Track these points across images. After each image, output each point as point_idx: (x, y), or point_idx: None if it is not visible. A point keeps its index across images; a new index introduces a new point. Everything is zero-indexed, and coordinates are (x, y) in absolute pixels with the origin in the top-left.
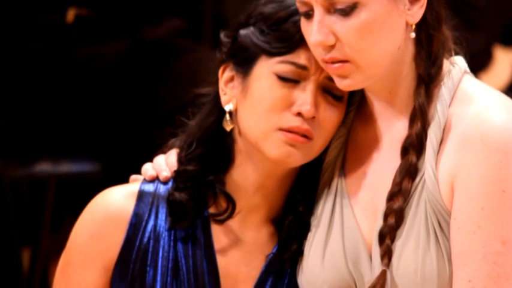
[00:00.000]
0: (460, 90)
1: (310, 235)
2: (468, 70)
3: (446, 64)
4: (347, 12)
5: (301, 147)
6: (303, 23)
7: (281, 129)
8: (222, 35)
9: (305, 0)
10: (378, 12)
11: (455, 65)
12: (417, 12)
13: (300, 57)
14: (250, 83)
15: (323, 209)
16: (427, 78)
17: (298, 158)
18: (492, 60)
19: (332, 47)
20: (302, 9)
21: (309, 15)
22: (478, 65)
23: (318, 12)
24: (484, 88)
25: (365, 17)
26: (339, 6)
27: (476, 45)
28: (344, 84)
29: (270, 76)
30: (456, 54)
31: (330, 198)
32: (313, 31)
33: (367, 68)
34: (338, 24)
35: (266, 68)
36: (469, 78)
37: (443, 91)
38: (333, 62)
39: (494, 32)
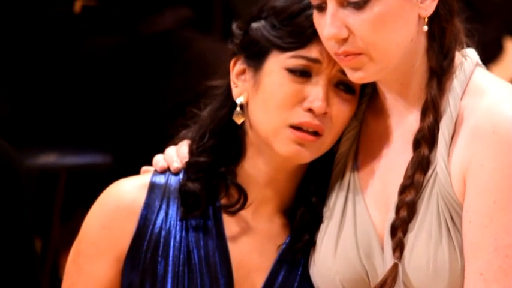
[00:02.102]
0: (472, 82)
1: (322, 226)
2: (480, 62)
3: (458, 56)
4: (360, 5)
5: (309, 146)
6: (316, 16)
7: (291, 126)
8: (234, 26)
9: None
10: (391, 5)
11: (467, 58)
12: (430, 5)
13: (312, 52)
14: (261, 78)
15: (335, 201)
16: (440, 71)
17: (306, 155)
18: (502, 51)
19: (345, 40)
20: (315, 1)
21: (321, 8)
22: (488, 56)
23: (331, 5)
24: (495, 81)
25: (378, 10)
26: (352, 0)
27: (486, 36)
28: (356, 77)
29: (281, 71)
30: (468, 46)
31: (343, 190)
32: (326, 24)
33: (379, 60)
34: (351, 17)
35: (277, 63)
36: (481, 70)
37: (455, 84)
38: (346, 55)
39: (504, 23)
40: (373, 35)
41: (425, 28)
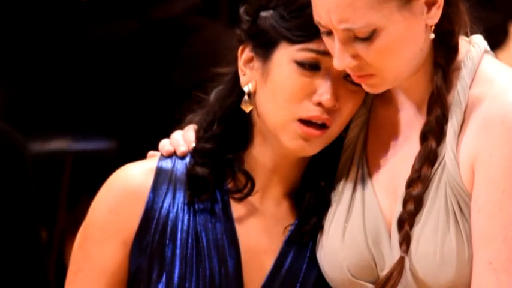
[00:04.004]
0: (480, 71)
1: (330, 211)
2: (488, 49)
3: (465, 44)
4: (367, 38)
5: (315, 141)
6: (324, 38)
7: (300, 120)
8: (241, 11)
9: (325, 25)
10: (399, 30)
11: (475, 45)
12: (436, 14)
13: (321, 44)
14: (270, 69)
15: (344, 186)
16: (446, 66)
17: (312, 150)
18: (508, 37)
19: (356, 66)
20: (322, 29)
21: (329, 33)
22: (494, 42)
23: (338, 40)
24: (504, 69)
25: (386, 39)
26: (359, 36)
27: (492, 22)
28: (371, 90)
29: (290, 64)
30: (474, 32)
31: (352, 176)
32: (335, 56)
33: (391, 77)
34: (360, 48)
35: (286, 55)
36: (489, 58)
37: (464, 73)
38: (359, 76)
39: (510, 9)
40: (384, 61)
41: (432, 36)
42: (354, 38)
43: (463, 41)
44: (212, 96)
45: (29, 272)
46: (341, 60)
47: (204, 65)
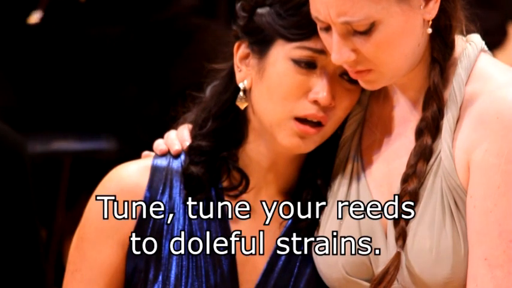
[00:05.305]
0: (476, 68)
1: (326, 209)
2: (485, 48)
3: (463, 42)
4: (366, 32)
5: (311, 138)
6: (322, 34)
7: (296, 118)
8: (238, 7)
9: (323, 20)
10: (397, 23)
11: (472, 44)
12: (433, 8)
13: (318, 43)
14: (266, 66)
15: (340, 184)
16: (442, 61)
17: (307, 147)
18: (507, 37)
19: (354, 60)
20: (320, 25)
21: (327, 29)
22: (493, 42)
23: (336, 34)
24: (500, 66)
25: (384, 32)
26: (358, 29)
27: (490, 22)
28: (368, 87)
29: (287, 62)
30: (472, 32)
31: (347, 174)
32: (333, 51)
33: (390, 73)
34: (358, 42)
35: (282, 53)
36: (486, 56)
37: (460, 70)
38: (356, 72)
39: (508, 9)
40: (383, 55)
41: (430, 31)
42: (352, 32)
43: (459, 40)
44: (207, 92)
45: (26, 272)
46: (339, 54)
47: (203, 66)
